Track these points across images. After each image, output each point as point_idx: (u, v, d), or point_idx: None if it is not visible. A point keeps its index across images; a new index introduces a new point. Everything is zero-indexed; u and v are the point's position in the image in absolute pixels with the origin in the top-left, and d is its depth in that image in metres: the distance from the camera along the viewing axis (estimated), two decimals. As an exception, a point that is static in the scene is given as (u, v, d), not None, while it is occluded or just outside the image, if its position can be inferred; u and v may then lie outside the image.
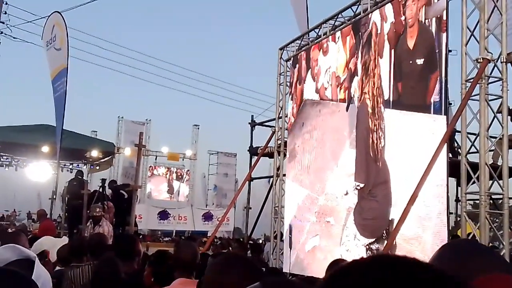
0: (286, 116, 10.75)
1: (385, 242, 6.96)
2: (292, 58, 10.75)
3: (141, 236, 16.48)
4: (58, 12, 14.08)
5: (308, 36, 10.35)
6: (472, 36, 6.65)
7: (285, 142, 10.75)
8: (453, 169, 6.84)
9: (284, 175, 10.62)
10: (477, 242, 3.90)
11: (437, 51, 6.74)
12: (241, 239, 14.40)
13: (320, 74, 9.52)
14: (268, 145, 11.44)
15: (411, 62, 7.20)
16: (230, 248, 10.57)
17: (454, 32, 6.85)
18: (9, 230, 9.02)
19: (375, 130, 7.79)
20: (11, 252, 1.51)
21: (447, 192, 6.53)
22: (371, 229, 7.64)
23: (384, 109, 7.67)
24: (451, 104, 7.96)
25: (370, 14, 8.18)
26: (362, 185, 7.95)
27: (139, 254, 5.09)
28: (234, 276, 1.59)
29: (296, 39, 10.71)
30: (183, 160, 21.37)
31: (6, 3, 15.35)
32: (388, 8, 7.76)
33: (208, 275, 1.72)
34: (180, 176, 21.29)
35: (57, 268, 5.23)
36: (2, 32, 15.18)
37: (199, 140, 22.22)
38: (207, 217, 19.41)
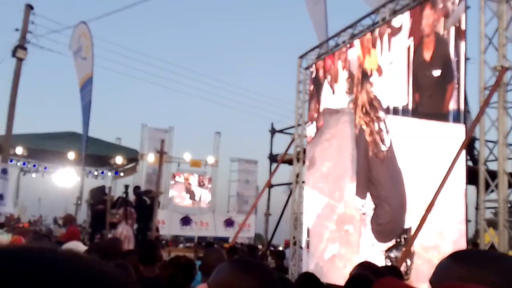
0: (306, 124, 10.83)
1: (403, 249, 7.00)
2: (311, 67, 10.86)
3: (164, 242, 16.67)
4: (84, 22, 14.44)
5: (328, 44, 10.44)
6: (491, 44, 6.65)
7: (304, 150, 10.83)
8: (472, 177, 6.84)
9: (304, 182, 10.69)
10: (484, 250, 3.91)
11: (456, 59, 6.76)
12: (251, 245, 14.47)
13: (338, 82, 9.61)
14: (288, 152, 11.53)
15: (428, 73, 7.25)
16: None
17: (472, 40, 6.88)
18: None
19: (373, 138, 8.06)
20: None
21: (466, 201, 6.54)
22: (386, 233, 7.70)
23: (384, 114, 7.93)
24: (469, 112, 7.96)
25: (388, 22, 8.26)
26: (364, 201, 8.17)
27: (160, 259, 5.25)
28: (253, 281, 1.54)
29: (315, 48, 10.82)
30: (205, 167, 21.59)
31: (34, 13, 15.76)
32: (406, 18, 7.83)
33: (221, 277, 1.61)
34: (202, 183, 21.50)
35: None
36: (29, 42, 15.56)
37: (221, 147, 22.46)
38: (229, 223, 19.54)
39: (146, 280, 4.35)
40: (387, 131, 7.89)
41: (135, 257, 4.92)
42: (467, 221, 6.90)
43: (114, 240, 6.52)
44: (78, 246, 6.73)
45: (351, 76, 9.17)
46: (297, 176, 11.05)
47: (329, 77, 9.98)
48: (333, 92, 9.75)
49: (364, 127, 8.45)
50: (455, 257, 1.46)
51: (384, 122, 7.98)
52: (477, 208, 11.49)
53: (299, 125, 11.18)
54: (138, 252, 5.13)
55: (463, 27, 6.76)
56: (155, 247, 5.16)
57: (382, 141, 7.91)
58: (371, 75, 8.54)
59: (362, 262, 3.57)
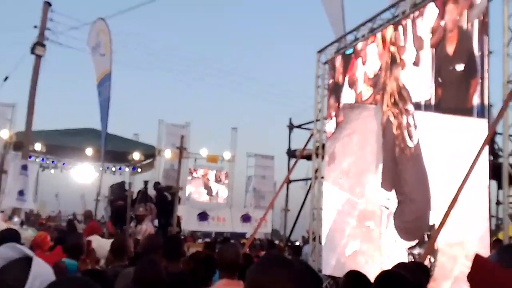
0: (325, 119, 10.78)
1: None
2: (330, 61, 10.80)
3: (183, 237, 16.77)
4: (102, 19, 14.52)
5: (346, 39, 10.38)
6: (514, 37, 6.57)
7: (323, 145, 10.79)
8: (494, 172, 6.78)
9: (323, 177, 10.66)
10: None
11: (479, 53, 6.68)
12: (270, 241, 14.44)
13: (358, 77, 9.54)
14: (306, 148, 11.50)
15: (451, 68, 7.17)
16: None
17: (495, 33, 6.79)
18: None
19: (401, 132, 7.96)
20: (12, 251, 1.64)
21: (489, 196, 6.48)
22: (411, 231, 7.62)
23: (412, 108, 7.81)
24: (491, 106, 7.84)
25: (409, 16, 8.17)
26: (390, 193, 8.08)
27: (184, 255, 5.29)
28: (283, 277, 1.49)
29: (334, 42, 10.76)
30: (221, 162, 21.62)
31: (52, 10, 15.89)
32: (428, 12, 7.74)
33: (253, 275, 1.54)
34: (219, 178, 21.56)
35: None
36: (48, 39, 15.70)
37: (238, 142, 22.47)
38: (246, 218, 19.54)
39: (172, 275, 4.37)
40: (415, 127, 7.76)
41: (159, 252, 4.94)
42: (491, 216, 6.83)
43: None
44: (99, 241, 6.83)
45: (374, 66, 9.04)
46: (316, 171, 11.02)
47: (349, 72, 9.89)
48: (354, 87, 9.65)
49: (392, 118, 8.28)
50: (499, 250, 1.53)
51: (413, 117, 7.84)
52: (497, 203, 11.41)
53: (318, 120, 11.14)
54: (162, 247, 5.16)
55: (486, 20, 6.67)
56: (180, 243, 5.20)
57: (410, 137, 7.79)
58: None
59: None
